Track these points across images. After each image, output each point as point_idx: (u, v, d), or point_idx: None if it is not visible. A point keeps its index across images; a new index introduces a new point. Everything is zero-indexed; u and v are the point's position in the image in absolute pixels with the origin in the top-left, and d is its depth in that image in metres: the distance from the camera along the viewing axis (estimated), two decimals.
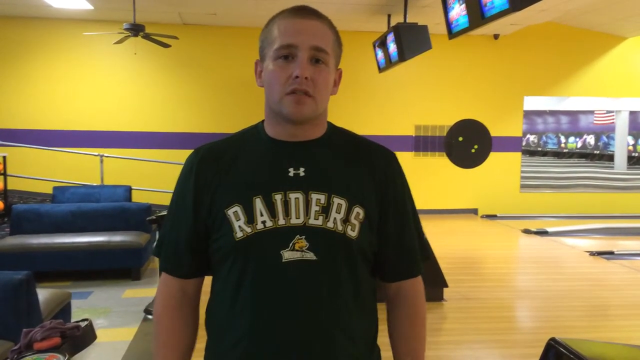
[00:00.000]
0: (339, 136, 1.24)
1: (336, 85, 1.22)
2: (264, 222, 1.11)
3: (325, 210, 1.12)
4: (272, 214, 1.11)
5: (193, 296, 1.23)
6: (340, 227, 1.12)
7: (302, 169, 1.15)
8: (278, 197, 1.12)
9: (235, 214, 1.12)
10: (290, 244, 1.10)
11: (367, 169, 1.19)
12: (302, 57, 1.11)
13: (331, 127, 1.24)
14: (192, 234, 1.18)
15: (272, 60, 1.14)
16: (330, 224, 1.12)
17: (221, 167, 1.17)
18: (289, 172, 1.14)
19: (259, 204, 1.12)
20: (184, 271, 1.21)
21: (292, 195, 1.12)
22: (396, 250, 1.22)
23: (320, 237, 1.11)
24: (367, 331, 1.20)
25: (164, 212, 1.28)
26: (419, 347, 1.25)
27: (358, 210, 1.15)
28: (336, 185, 1.15)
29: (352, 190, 1.16)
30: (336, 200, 1.13)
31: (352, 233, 1.13)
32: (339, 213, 1.13)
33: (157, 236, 3.95)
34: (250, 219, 1.11)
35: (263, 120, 1.23)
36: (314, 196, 1.13)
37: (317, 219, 1.11)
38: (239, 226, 1.11)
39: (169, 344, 1.20)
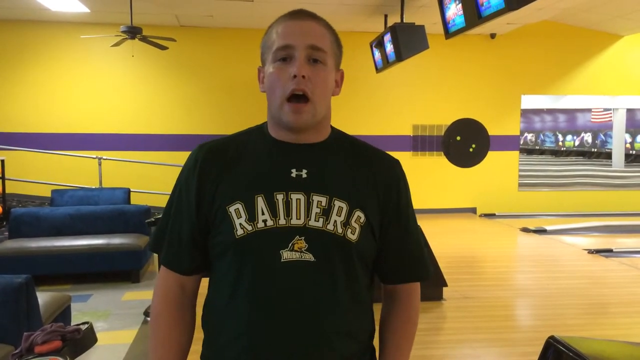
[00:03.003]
0: (342, 141, 1.25)
1: (338, 86, 1.23)
2: (264, 221, 1.12)
3: (326, 212, 1.13)
4: (274, 213, 1.12)
5: (192, 294, 1.24)
6: (340, 230, 1.13)
7: (304, 171, 1.16)
8: (280, 197, 1.13)
9: (236, 211, 1.13)
10: (290, 244, 1.11)
11: (370, 175, 1.20)
12: (300, 56, 1.12)
13: (335, 131, 1.26)
14: (195, 229, 1.18)
15: (271, 63, 1.15)
16: (330, 226, 1.13)
17: (225, 163, 1.18)
18: (292, 173, 1.16)
19: (260, 202, 1.13)
20: (186, 267, 1.21)
21: (294, 196, 1.13)
22: (396, 257, 1.24)
23: (319, 239, 1.12)
24: (363, 332, 1.21)
25: None
26: (406, 344, 1.27)
27: (359, 214, 1.16)
28: (338, 189, 1.16)
29: (354, 194, 1.17)
30: (337, 203, 1.14)
31: (352, 236, 1.14)
32: (340, 216, 1.14)
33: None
34: (252, 217, 1.12)
35: (266, 122, 1.24)
36: (315, 198, 1.14)
37: (318, 221, 1.13)
38: (240, 224, 1.12)
39: (166, 342, 1.20)
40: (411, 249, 1.26)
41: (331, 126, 1.25)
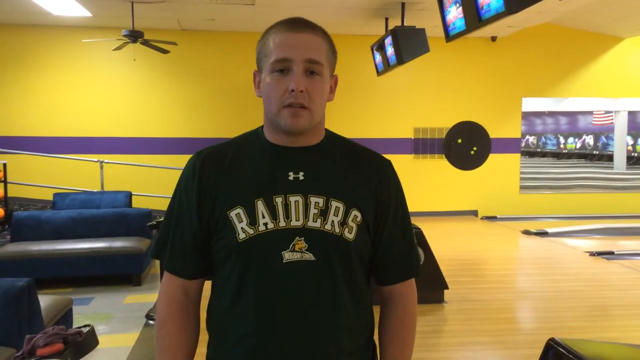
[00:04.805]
0: (336, 143, 1.28)
1: (332, 92, 1.25)
2: (265, 224, 1.15)
3: (324, 213, 1.16)
4: (274, 216, 1.15)
5: (195, 298, 1.26)
6: (337, 230, 1.16)
7: (301, 173, 1.19)
8: (279, 200, 1.16)
9: (237, 216, 1.16)
10: (291, 245, 1.14)
11: (363, 175, 1.23)
12: (297, 70, 1.15)
13: (329, 133, 1.28)
14: (197, 235, 1.21)
15: (268, 73, 1.17)
16: (327, 226, 1.16)
17: (223, 169, 1.21)
18: (289, 176, 1.18)
19: (260, 206, 1.15)
20: (189, 271, 1.23)
21: (292, 198, 1.16)
22: (388, 255, 1.26)
23: (318, 239, 1.15)
24: (364, 328, 1.24)
25: None
26: (406, 349, 1.28)
27: (355, 213, 1.19)
28: (334, 189, 1.19)
29: (349, 194, 1.20)
30: (334, 204, 1.17)
31: (349, 235, 1.17)
32: (337, 216, 1.17)
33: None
34: (253, 221, 1.15)
35: (262, 126, 1.26)
36: (313, 199, 1.17)
37: (316, 221, 1.16)
38: (242, 227, 1.15)
39: (172, 347, 1.22)
40: (402, 247, 1.28)
41: (325, 129, 1.28)
